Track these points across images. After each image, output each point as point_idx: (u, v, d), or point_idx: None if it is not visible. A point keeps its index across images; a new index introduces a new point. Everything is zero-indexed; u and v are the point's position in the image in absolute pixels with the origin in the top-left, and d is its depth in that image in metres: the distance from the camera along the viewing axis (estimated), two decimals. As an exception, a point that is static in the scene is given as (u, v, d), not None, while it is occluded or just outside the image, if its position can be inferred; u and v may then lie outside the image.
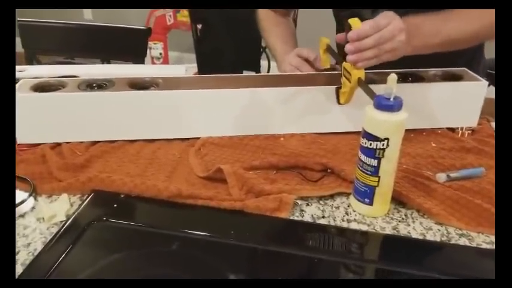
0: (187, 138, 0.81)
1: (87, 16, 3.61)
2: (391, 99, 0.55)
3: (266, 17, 1.08)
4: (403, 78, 0.82)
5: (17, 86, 0.78)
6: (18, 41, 1.42)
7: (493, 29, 0.72)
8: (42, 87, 0.78)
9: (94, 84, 0.78)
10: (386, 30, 0.67)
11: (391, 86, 0.55)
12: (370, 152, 0.57)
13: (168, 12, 2.81)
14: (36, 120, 0.76)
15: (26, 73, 1.05)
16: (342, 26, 0.71)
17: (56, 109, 0.75)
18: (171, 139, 0.81)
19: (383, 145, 0.56)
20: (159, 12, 2.83)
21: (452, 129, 0.84)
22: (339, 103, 0.78)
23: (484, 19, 0.77)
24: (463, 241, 0.58)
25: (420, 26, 0.75)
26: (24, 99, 0.74)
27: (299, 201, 0.65)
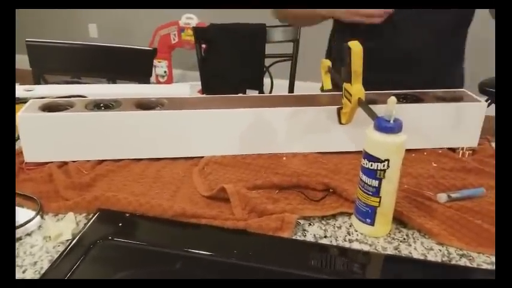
0: (191, 157, 0.82)
1: (93, 34, 3.67)
2: (391, 121, 0.57)
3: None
4: (403, 99, 0.84)
5: (25, 105, 0.80)
6: (26, 59, 1.46)
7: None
8: (50, 107, 0.79)
9: (101, 105, 0.80)
10: None
11: (391, 108, 0.57)
12: (371, 173, 0.58)
13: (173, 31, 2.86)
14: (44, 139, 0.78)
15: (34, 92, 1.08)
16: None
17: (64, 128, 0.77)
18: (175, 158, 0.82)
19: (383, 166, 0.57)
20: (163, 31, 2.89)
21: (453, 150, 0.85)
22: (341, 123, 0.79)
23: None
24: (463, 261, 0.59)
25: None
26: (33, 119, 0.76)
27: (301, 221, 0.65)
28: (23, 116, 0.76)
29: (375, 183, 0.59)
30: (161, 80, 3.02)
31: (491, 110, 0.85)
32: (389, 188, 0.59)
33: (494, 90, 2.27)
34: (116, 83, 1.36)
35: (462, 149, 0.85)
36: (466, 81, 1.14)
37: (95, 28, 3.65)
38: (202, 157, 0.82)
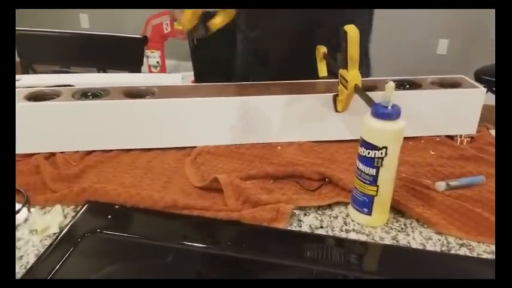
0: (183, 147, 0.80)
1: (84, 25, 3.62)
2: (389, 107, 0.55)
3: None
4: (400, 86, 0.82)
5: (11, 95, 0.77)
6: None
7: None
8: (36, 97, 0.77)
9: (89, 93, 0.77)
10: None
11: (389, 94, 0.55)
12: (369, 161, 0.57)
13: (165, 21, 2.82)
14: (31, 129, 0.75)
15: (21, 82, 1.04)
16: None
17: (50, 118, 0.75)
18: (166, 148, 0.80)
19: (381, 154, 0.56)
20: (156, 20, 2.84)
21: (451, 137, 0.83)
22: (337, 111, 0.77)
23: None
24: (463, 251, 0.57)
25: None
26: (19, 109, 0.73)
27: (297, 211, 0.64)
28: (7, 105, 0.74)
29: (372, 171, 0.57)
30: (154, 70, 2.98)
31: (488, 99, 0.83)
32: (387, 176, 0.57)
33: (490, 78, 2.25)
34: (106, 73, 1.32)
35: (460, 136, 0.83)
36: (461, 69, 1.11)
37: (86, 18, 3.59)
38: (195, 147, 0.80)
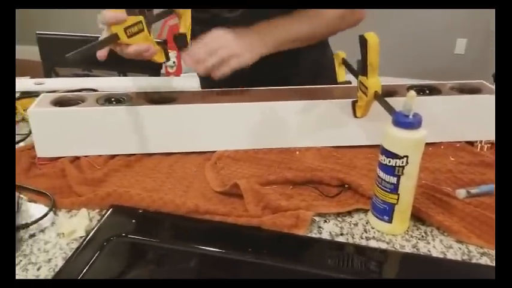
0: (204, 152, 0.81)
1: (102, 25, 3.66)
2: (411, 116, 0.55)
3: None
4: (419, 91, 0.82)
5: (37, 100, 0.79)
6: (37, 51, 1.45)
7: (328, 29, 0.88)
8: (61, 102, 0.79)
9: (112, 99, 0.79)
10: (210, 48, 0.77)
11: (410, 102, 0.55)
12: (389, 170, 0.57)
13: (182, 22, 2.83)
14: (56, 134, 0.77)
15: (45, 86, 1.08)
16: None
17: (75, 123, 0.77)
18: (187, 152, 0.81)
19: (402, 162, 0.56)
20: (172, 21, 2.86)
21: (471, 143, 0.83)
22: (356, 116, 0.78)
23: (322, 20, 0.87)
24: (484, 260, 0.57)
25: (268, 27, 0.83)
26: (44, 114, 0.76)
27: (316, 218, 0.64)
28: (34, 111, 0.76)
29: (393, 180, 0.57)
30: (170, 70, 3.01)
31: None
32: (408, 184, 0.58)
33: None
34: (126, 76, 1.34)
35: (480, 142, 0.83)
36: (479, 69, 1.10)
37: (103, 19, 3.63)
38: (215, 151, 0.81)
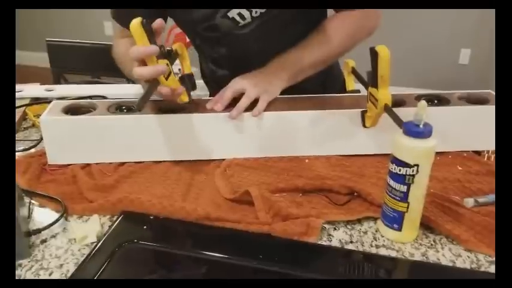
0: (213, 160, 0.82)
1: (108, 32, 3.70)
2: (421, 126, 0.56)
3: (119, 44, 0.94)
4: (428, 101, 0.82)
5: (48, 107, 0.80)
6: (46, 57, 1.47)
7: (340, 49, 0.90)
8: (72, 110, 0.80)
9: (123, 107, 0.80)
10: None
11: (422, 112, 0.56)
12: (400, 178, 0.57)
13: (188, 30, 2.86)
14: (67, 142, 0.78)
15: (55, 92, 1.09)
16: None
17: (87, 131, 0.77)
18: (196, 160, 0.82)
19: (413, 171, 0.56)
20: (178, 29, 2.88)
21: (478, 153, 0.83)
22: (365, 126, 0.78)
23: (331, 42, 0.89)
24: (493, 269, 0.57)
25: (282, 62, 0.87)
26: (56, 122, 0.77)
27: (326, 226, 0.65)
28: (46, 119, 0.77)
29: (403, 188, 0.58)
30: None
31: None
32: (418, 193, 0.58)
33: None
34: (135, 83, 1.35)
35: (487, 152, 0.83)
36: (483, 79, 1.12)
37: (110, 26, 3.67)
38: (224, 159, 0.81)
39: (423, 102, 0.56)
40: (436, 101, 0.83)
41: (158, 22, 0.67)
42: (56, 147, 0.79)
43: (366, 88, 0.73)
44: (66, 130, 0.77)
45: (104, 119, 0.77)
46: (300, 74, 0.88)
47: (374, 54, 0.65)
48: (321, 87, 0.99)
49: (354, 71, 0.83)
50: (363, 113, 0.77)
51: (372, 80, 0.69)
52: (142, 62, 0.68)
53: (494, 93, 0.85)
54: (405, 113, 0.62)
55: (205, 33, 0.89)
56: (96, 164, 0.79)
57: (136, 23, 0.64)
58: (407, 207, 0.59)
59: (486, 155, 0.83)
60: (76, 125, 0.77)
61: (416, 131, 0.56)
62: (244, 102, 0.79)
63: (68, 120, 0.77)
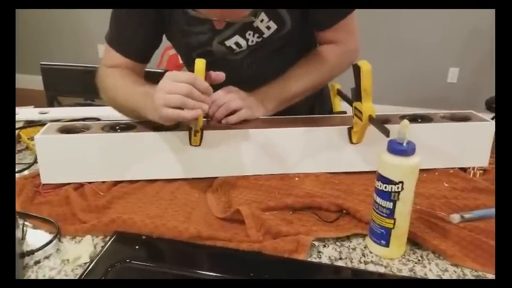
0: (205, 178, 0.83)
1: (102, 55, 3.73)
2: (405, 144, 0.58)
3: (112, 74, 0.92)
4: (412, 120, 0.85)
5: (43, 128, 0.82)
6: (40, 80, 1.49)
7: (324, 78, 0.95)
8: (67, 130, 0.81)
9: (117, 127, 0.82)
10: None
11: (404, 131, 0.58)
12: (386, 195, 0.59)
13: (181, 52, 2.90)
14: (61, 161, 0.79)
15: (49, 115, 1.10)
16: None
17: (81, 150, 0.79)
18: (189, 179, 0.83)
19: (398, 188, 0.58)
20: (171, 51, 2.93)
21: (464, 169, 0.86)
22: (351, 142, 0.81)
23: (316, 73, 0.94)
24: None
25: (267, 92, 0.91)
26: (51, 141, 0.78)
27: (316, 243, 0.66)
28: (41, 137, 0.78)
29: (390, 205, 0.59)
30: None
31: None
32: (404, 209, 0.60)
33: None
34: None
35: (473, 168, 0.85)
36: (472, 98, 1.15)
37: (103, 49, 3.71)
38: (216, 178, 0.83)
39: (405, 121, 0.58)
40: (419, 120, 0.85)
41: (221, 75, 0.75)
42: (49, 166, 0.80)
43: (351, 105, 0.76)
44: (60, 148, 0.78)
45: (99, 137, 0.79)
46: (285, 103, 0.93)
47: (357, 69, 0.68)
48: (309, 109, 1.02)
49: (339, 93, 0.86)
50: (350, 130, 0.79)
51: (355, 95, 0.71)
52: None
53: (475, 113, 0.88)
54: (390, 129, 0.64)
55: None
56: (89, 183, 0.80)
57: (203, 63, 0.71)
58: (394, 224, 0.60)
59: (471, 171, 0.85)
60: (71, 143, 0.79)
61: (400, 149, 0.58)
62: (224, 109, 0.84)
63: (63, 139, 0.78)
